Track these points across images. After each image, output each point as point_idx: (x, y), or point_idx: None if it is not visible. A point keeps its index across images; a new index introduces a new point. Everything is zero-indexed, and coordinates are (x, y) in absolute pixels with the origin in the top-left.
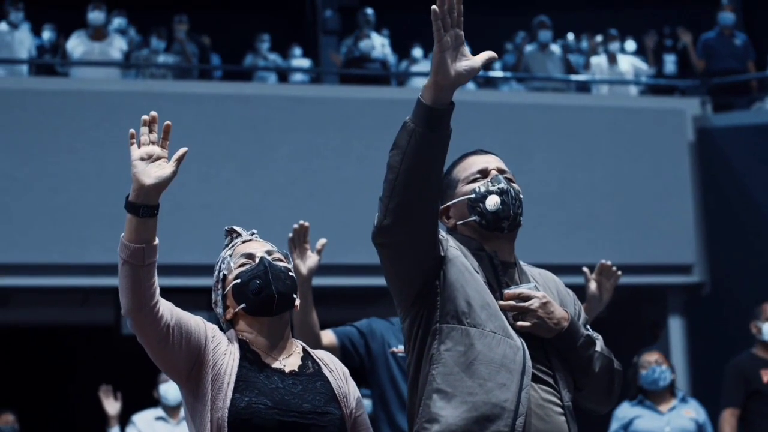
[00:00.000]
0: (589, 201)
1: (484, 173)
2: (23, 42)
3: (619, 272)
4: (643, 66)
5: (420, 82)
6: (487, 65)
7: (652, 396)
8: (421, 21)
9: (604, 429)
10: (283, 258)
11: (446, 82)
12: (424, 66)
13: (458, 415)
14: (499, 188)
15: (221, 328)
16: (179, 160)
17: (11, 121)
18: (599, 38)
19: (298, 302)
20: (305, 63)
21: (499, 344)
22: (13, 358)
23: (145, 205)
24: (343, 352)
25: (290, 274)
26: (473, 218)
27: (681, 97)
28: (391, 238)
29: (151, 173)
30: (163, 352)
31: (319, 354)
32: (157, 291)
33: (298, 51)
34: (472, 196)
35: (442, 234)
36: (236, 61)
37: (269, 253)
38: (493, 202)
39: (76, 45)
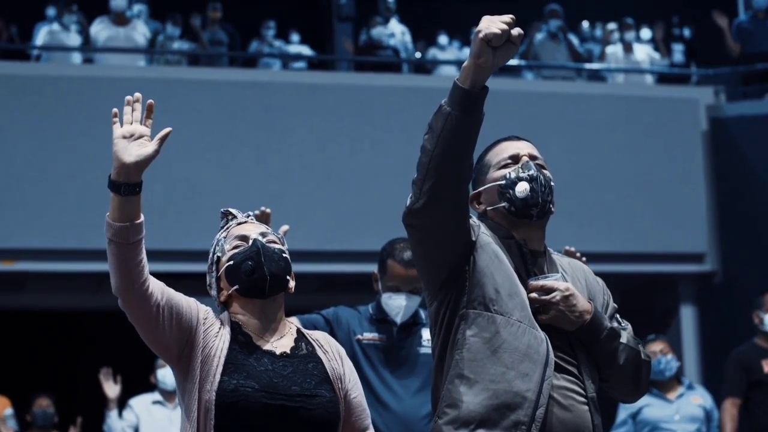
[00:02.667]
0: (602, 190)
1: (515, 159)
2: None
3: (584, 258)
4: (656, 56)
5: (441, 69)
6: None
7: (659, 384)
8: (445, 8)
9: (611, 418)
10: (277, 240)
11: (488, 65)
12: (450, 53)
13: (479, 402)
14: (529, 175)
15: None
16: (162, 139)
17: (27, 106)
18: (611, 26)
19: (292, 284)
20: (305, 50)
21: (524, 334)
22: (38, 342)
23: (126, 183)
24: None
25: (284, 255)
26: (503, 204)
27: (694, 86)
28: (421, 220)
29: (132, 151)
30: (153, 332)
31: (314, 335)
32: (146, 269)
33: (296, 37)
34: (503, 182)
35: (474, 220)
36: (244, 48)
37: (263, 234)
38: (522, 188)
39: (100, 30)
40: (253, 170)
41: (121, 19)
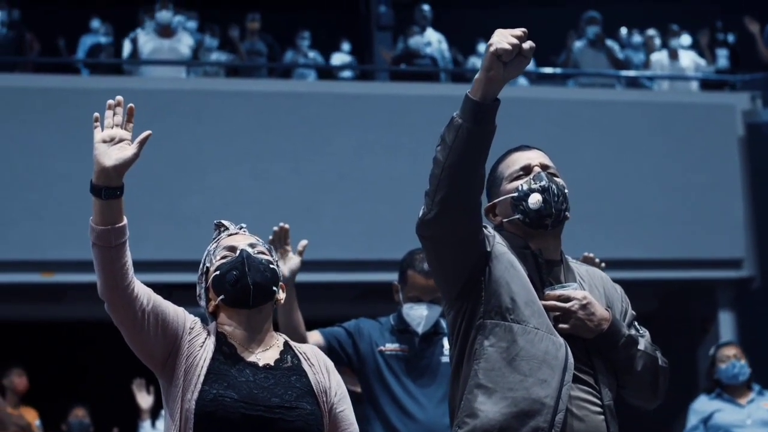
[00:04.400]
0: (639, 196)
1: (527, 170)
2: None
3: (603, 264)
4: (701, 62)
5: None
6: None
7: (730, 389)
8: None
9: (678, 422)
10: (266, 251)
11: (499, 76)
12: None
13: (498, 411)
14: (540, 186)
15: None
16: (142, 143)
17: (66, 118)
18: (651, 32)
19: (281, 295)
20: (348, 59)
21: (542, 340)
22: (75, 352)
23: (106, 187)
24: (330, 352)
25: (271, 266)
26: (517, 216)
27: (731, 92)
28: (434, 231)
29: (112, 155)
30: (138, 337)
31: (302, 348)
32: (130, 272)
33: (346, 46)
34: (515, 194)
35: (489, 230)
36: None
37: (252, 245)
38: (535, 200)
39: (146, 42)
40: (290, 180)
41: (166, 31)
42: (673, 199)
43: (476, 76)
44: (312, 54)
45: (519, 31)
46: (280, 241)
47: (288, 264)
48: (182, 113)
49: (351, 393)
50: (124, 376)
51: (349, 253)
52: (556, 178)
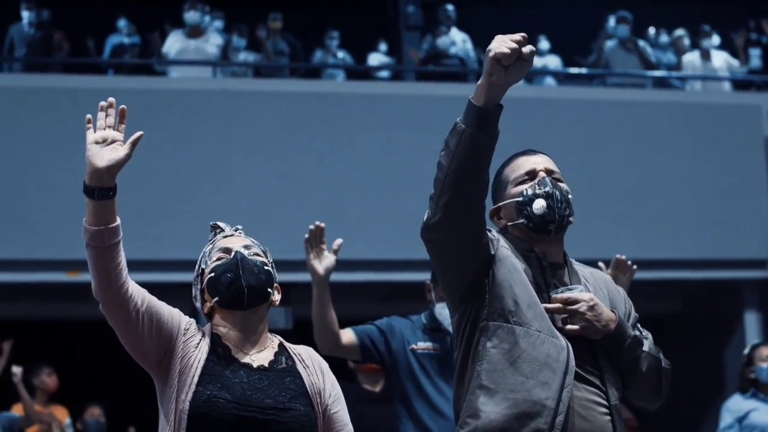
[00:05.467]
0: (665, 197)
1: (531, 175)
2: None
3: (635, 266)
4: (734, 62)
5: None
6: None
7: (765, 389)
8: (507, 15)
9: (706, 422)
10: (261, 253)
11: (500, 82)
12: None
13: (499, 411)
14: (545, 192)
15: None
16: (134, 144)
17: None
18: (679, 32)
19: (276, 297)
20: (384, 59)
21: (543, 343)
22: (92, 351)
23: (99, 188)
24: (363, 350)
25: (266, 268)
26: (521, 221)
27: (758, 92)
28: (439, 235)
29: (104, 156)
30: (132, 337)
31: (296, 349)
32: (124, 272)
33: (383, 47)
34: (520, 199)
35: (493, 234)
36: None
37: (247, 247)
38: (539, 205)
39: (173, 43)
40: (316, 180)
41: (195, 32)
42: (699, 199)
43: (479, 81)
44: (341, 54)
45: (518, 36)
46: (315, 240)
47: (323, 263)
48: (209, 113)
49: (367, 392)
50: (141, 376)
51: (375, 253)
52: (560, 184)
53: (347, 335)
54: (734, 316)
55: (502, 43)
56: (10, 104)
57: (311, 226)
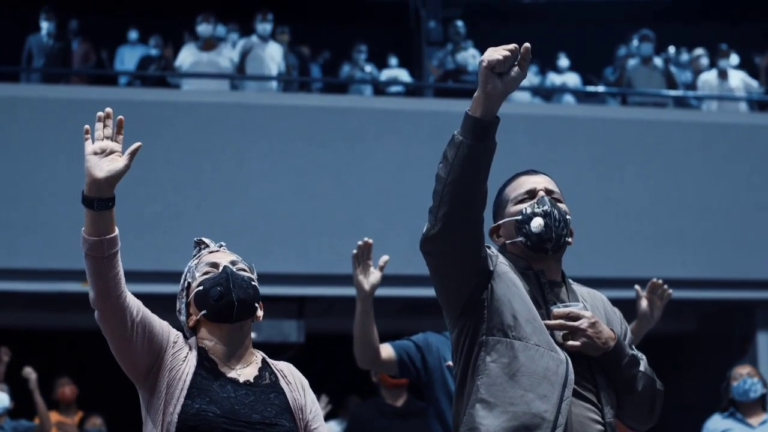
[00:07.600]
0: (680, 216)
1: (531, 194)
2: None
3: (670, 290)
4: (753, 82)
5: (517, 96)
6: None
7: (744, 408)
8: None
9: None
10: (247, 269)
11: (496, 92)
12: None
13: (498, 425)
14: (543, 210)
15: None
16: (132, 154)
17: None
18: (698, 51)
19: (260, 313)
20: (403, 73)
21: (542, 357)
22: (96, 362)
23: (98, 198)
24: (400, 365)
25: (253, 283)
26: (519, 239)
27: None
28: (437, 247)
29: (103, 167)
30: (125, 347)
31: (278, 365)
32: (122, 282)
33: (394, 61)
34: (519, 217)
35: (492, 250)
36: (335, 72)
37: (233, 263)
38: (537, 224)
39: (186, 56)
40: (333, 194)
41: (208, 44)
42: (713, 219)
43: (475, 94)
44: (368, 68)
45: (512, 46)
46: (363, 256)
47: (369, 278)
48: (226, 126)
49: (389, 407)
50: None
51: (390, 268)
52: (559, 204)
53: (386, 350)
54: (747, 336)
55: (494, 52)
56: (29, 114)
57: (359, 242)
